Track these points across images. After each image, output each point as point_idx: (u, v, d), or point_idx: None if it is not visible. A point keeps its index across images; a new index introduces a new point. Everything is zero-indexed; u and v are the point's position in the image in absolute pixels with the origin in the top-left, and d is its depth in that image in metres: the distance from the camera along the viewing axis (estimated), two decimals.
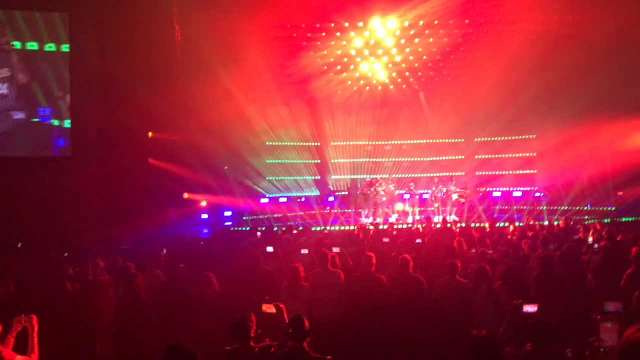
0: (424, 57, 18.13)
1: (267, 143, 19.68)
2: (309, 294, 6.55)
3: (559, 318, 5.20)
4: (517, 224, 12.81)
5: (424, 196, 18.57)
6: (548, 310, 5.11)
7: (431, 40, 17.34)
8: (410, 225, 15.35)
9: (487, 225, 12.90)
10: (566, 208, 16.76)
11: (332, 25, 17.13)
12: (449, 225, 12.32)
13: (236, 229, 16.42)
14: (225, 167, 17.50)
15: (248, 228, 15.91)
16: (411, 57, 18.29)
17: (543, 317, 4.57)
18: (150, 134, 15.29)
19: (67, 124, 15.16)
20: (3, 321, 4.32)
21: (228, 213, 17.54)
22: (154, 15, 14.29)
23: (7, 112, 14.62)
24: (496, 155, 20.35)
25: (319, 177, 20.98)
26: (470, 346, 3.62)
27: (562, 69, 15.30)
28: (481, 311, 6.13)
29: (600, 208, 16.45)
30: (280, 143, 20.12)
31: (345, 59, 18.55)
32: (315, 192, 20.53)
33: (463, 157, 21.05)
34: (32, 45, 14.72)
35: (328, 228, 16.06)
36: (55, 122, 15.14)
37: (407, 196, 18.39)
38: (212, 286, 6.53)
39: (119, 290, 6.60)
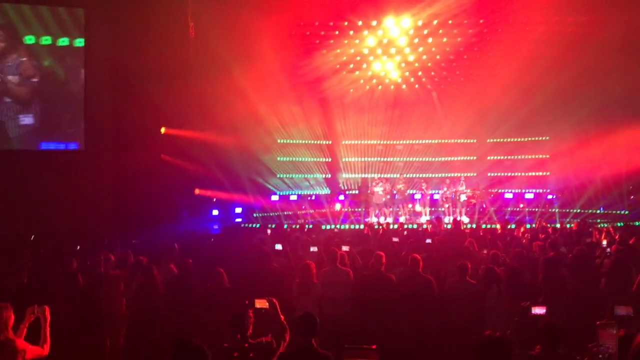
0: (437, 56, 18.03)
1: (279, 141, 19.70)
2: (320, 291, 6.58)
3: (566, 321, 5.15)
4: (527, 225, 12.73)
5: (435, 197, 18.51)
6: (555, 312, 5.07)
7: (445, 39, 17.23)
8: (424, 225, 15.26)
9: (498, 226, 12.86)
10: (579, 211, 16.62)
11: (346, 24, 17.09)
12: (463, 227, 12.25)
13: (246, 225, 16.51)
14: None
15: (258, 225, 15.98)
16: (424, 57, 18.20)
17: (552, 319, 4.53)
18: (163, 130, 15.38)
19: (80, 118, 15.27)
20: (16, 312, 4.40)
21: (239, 210, 17.64)
22: (168, 11, 14.36)
23: (22, 107, 14.76)
24: (509, 157, 20.18)
25: (329, 176, 20.99)
26: (484, 346, 3.59)
27: (577, 70, 15.08)
28: (492, 313, 6.10)
29: (613, 211, 16.29)
30: (291, 141, 20.13)
31: (358, 58, 18.48)
32: (325, 190, 20.54)
33: (475, 157, 20.91)
34: (46, 40, 14.78)
35: (338, 227, 16.07)
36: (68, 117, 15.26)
37: (418, 196, 18.35)
38: (222, 282, 6.57)
39: (134, 282, 6.68)
